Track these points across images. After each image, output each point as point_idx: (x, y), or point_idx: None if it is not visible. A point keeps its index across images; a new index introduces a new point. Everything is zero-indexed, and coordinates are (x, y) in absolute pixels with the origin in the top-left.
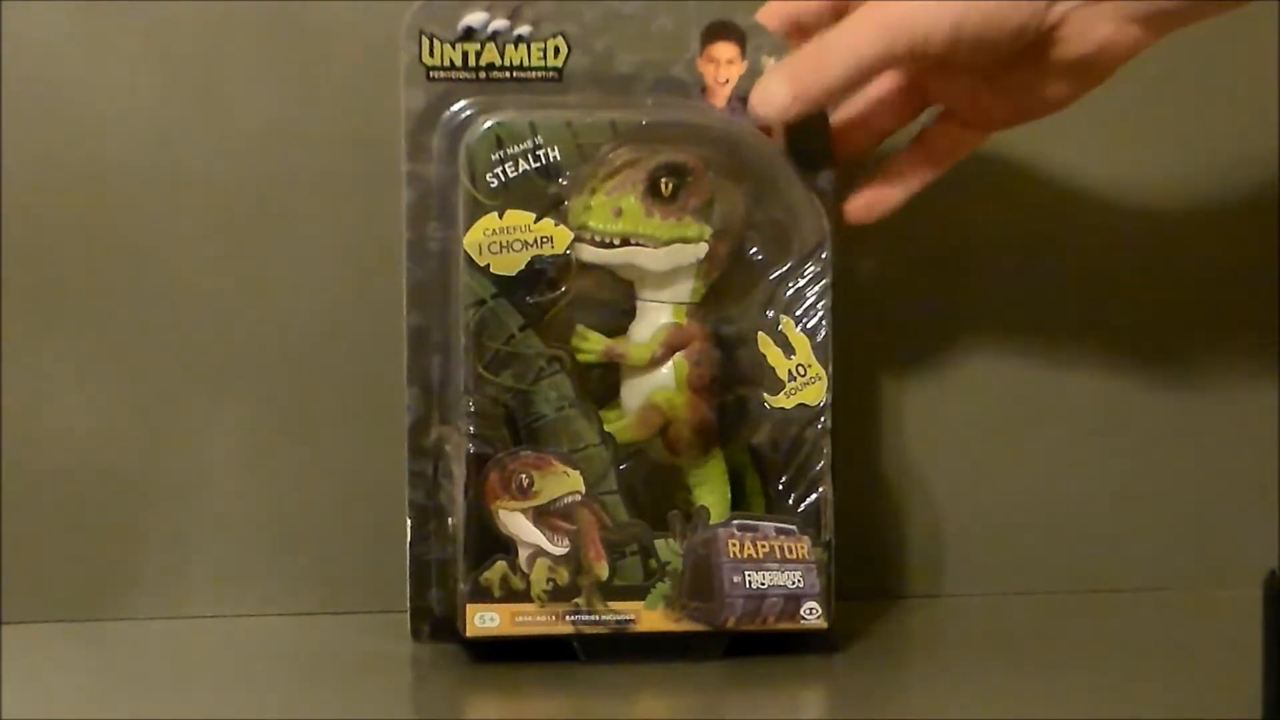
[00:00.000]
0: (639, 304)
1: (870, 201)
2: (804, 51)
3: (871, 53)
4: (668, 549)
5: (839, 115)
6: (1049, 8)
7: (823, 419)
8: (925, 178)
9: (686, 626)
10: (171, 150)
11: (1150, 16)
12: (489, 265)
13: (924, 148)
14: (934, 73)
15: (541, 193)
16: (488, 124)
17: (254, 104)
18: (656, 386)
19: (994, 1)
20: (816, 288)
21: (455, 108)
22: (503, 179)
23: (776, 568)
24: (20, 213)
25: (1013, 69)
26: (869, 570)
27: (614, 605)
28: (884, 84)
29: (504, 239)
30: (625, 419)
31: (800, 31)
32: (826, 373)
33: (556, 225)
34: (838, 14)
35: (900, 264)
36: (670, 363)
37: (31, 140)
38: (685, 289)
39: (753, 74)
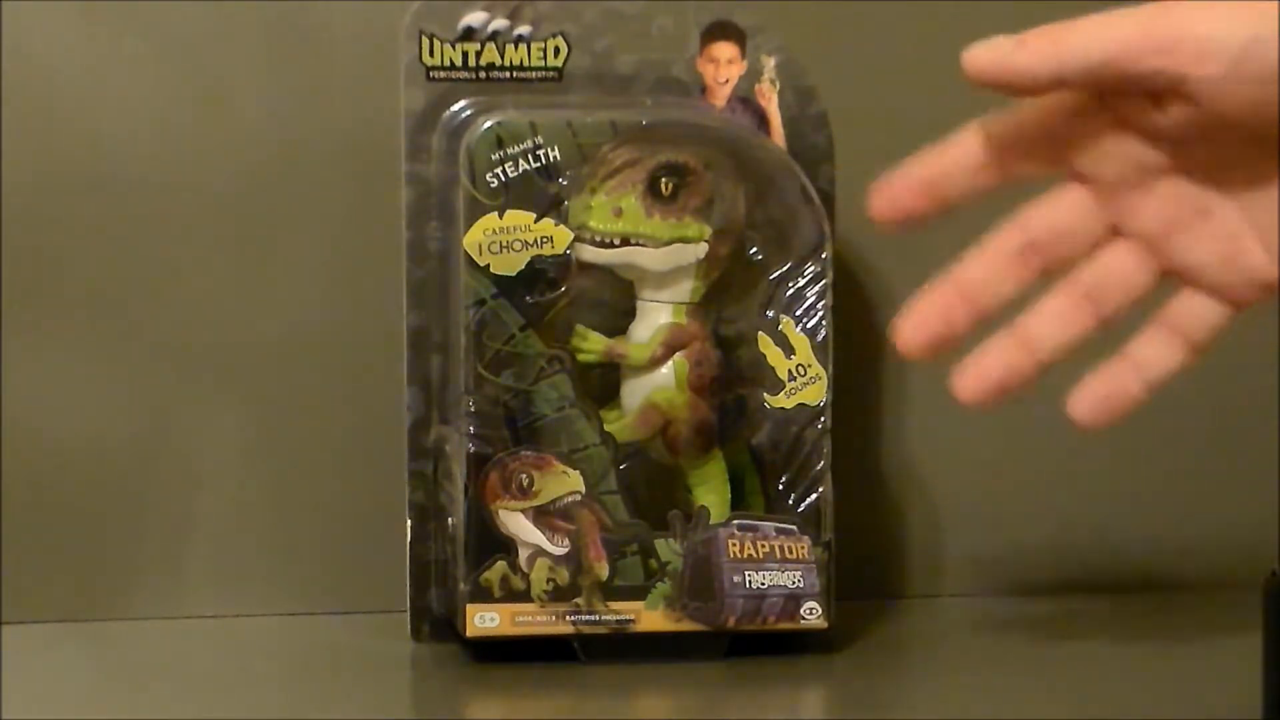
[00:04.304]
0: (639, 304)
1: (1105, 397)
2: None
3: (1123, 38)
4: (668, 549)
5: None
6: None
7: (823, 419)
8: (1171, 364)
9: (686, 626)
10: (171, 150)
11: None
12: (489, 265)
13: (1167, 327)
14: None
15: (541, 193)
16: (488, 124)
17: (254, 104)
18: (656, 386)
19: None
20: (816, 288)
21: (455, 108)
22: (503, 179)
23: (776, 568)
24: (20, 212)
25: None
26: (869, 570)
27: (614, 605)
28: (1072, 206)
29: (504, 239)
30: (625, 419)
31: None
32: (826, 373)
33: (556, 225)
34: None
35: (900, 263)
36: (670, 363)
37: (31, 140)
38: (685, 289)
39: (752, 74)
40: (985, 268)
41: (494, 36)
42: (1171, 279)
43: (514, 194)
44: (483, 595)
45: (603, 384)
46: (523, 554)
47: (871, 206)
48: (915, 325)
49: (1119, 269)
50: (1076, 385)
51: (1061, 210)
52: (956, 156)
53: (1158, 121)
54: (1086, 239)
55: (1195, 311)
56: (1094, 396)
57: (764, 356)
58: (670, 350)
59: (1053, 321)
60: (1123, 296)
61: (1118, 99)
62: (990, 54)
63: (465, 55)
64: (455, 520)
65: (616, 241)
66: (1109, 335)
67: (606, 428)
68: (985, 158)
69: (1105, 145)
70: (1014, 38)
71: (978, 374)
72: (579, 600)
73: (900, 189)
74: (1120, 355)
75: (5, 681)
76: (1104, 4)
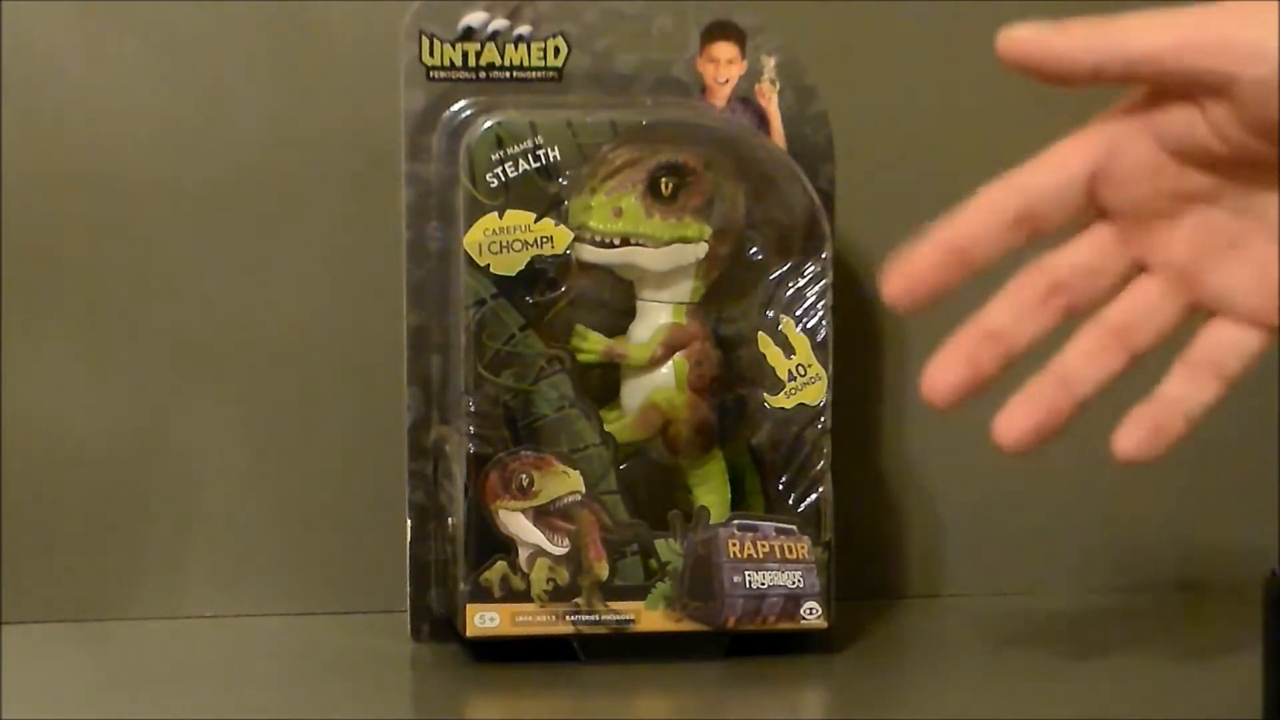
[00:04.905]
0: (639, 304)
1: (1146, 436)
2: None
3: (1173, 36)
4: (668, 549)
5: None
6: None
7: (823, 419)
8: (1204, 398)
9: (686, 626)
10: (171, 150)
11: None
12: (489, 265)
13: (1194, 362)
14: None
15: (541, 193)
16: (488, 124)
17: (254, 104)
18: (656, 386)
19: None
20: (816, 288)
21: (455, 108)
22: (503, 179)
23: (776, 568)
24: (20, 212)
25: None
26: (869, 570)
27: (614, 605)
28: (1094, 246)
29: (504, 239)
30: (625, 419)
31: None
32: (826, 373)
33: (556, 225)
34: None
35: None
36: (670, 363)
37: (31, 140)
38: (685, 289)
39: (752, 74)
40: (1010, 311)
41: (494, 36)
42: (1198, 311)
43: (514, 194)
44: (483, 595)
45: (603, 384)
46: (523, 554)
47: (885, 290)
48: (942, 370)
49: (1146, 304)
50: (1118, 425)
51: (1085, 250)
52: (982, 217)
53: (1193, 131)
54: (1111, 277)
55: (1227, 342)
56: (1139, 431)
57: (764, 356)
58: (670, 350)
59: (1085, 360)
60: (1151, 332)
61: (1154, 110)
62: (1030, 35)
63: (465, 55)
64: (455, 520)
65: (616, 241)
66: (1144, 371)
67: (606, 428)
68: (1014, 213)
69: (1142, 172)
70: (1056, 24)
71: (1017, 416)
72: (579, 600)
73: (921, 265)
74: (1153, 396)
75: (5, 681)
76: (1096, 7)
